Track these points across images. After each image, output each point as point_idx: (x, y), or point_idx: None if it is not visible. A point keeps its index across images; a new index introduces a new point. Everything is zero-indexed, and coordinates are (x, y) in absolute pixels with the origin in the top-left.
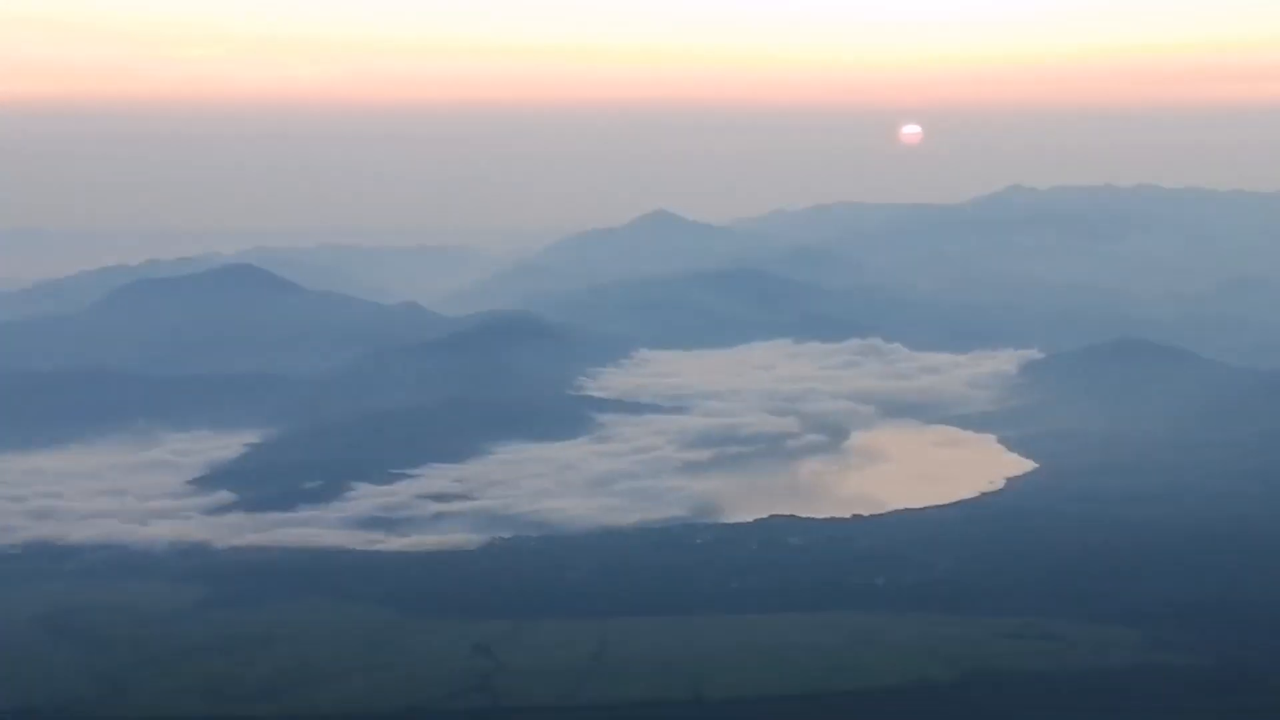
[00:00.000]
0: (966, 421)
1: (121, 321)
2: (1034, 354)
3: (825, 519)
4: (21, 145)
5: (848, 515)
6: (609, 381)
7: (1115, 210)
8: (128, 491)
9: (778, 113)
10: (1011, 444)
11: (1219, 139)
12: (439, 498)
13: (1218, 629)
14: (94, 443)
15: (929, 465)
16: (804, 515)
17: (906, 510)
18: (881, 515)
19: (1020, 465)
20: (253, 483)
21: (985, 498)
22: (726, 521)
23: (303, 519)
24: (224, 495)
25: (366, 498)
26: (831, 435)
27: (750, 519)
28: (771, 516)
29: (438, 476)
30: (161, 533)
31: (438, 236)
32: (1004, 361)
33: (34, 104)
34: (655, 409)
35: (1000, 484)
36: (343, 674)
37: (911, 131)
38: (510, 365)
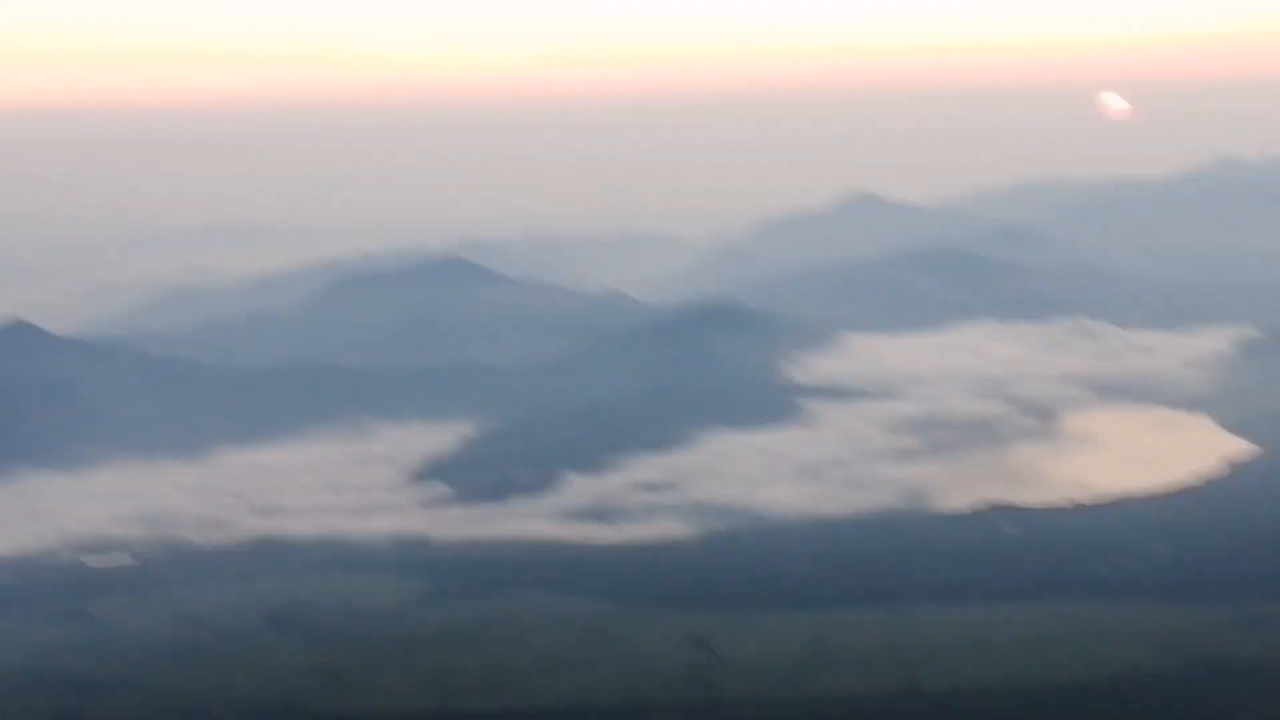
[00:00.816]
0: (1181, 403)
1: (334, 315)
2: (1249, 331)
3: (1042, 506)
4: (230, 141)
5: (1064, 502)
6: (814, 367)
7: None
8: (346, 485)
9: (977, 90)
10: (1230, 426)
11: None
12: (649, 487)
13: None
14: (310, 436)
15: (1145, 449)
16: (1019, 503)
17: (1125, 496)
18: (1099, 502)
19: (1241, 448)
20: (467, 475)
21: (1206, 482)
22: (940, 509)
23: (517, 511)
24: (440, 488)
25: (578, 488)
26: (1042, 419)
27: (964, 506)
28: (986, 504)
29: (647, 466)
30: (381, 526)
31: (637, 223)
32: (1217, 339)
33: (244, 101)
34: (862, 394)
35: (1221, 468)
36: (562, 667)
37: (1114, 104)
38: (715, 352)
